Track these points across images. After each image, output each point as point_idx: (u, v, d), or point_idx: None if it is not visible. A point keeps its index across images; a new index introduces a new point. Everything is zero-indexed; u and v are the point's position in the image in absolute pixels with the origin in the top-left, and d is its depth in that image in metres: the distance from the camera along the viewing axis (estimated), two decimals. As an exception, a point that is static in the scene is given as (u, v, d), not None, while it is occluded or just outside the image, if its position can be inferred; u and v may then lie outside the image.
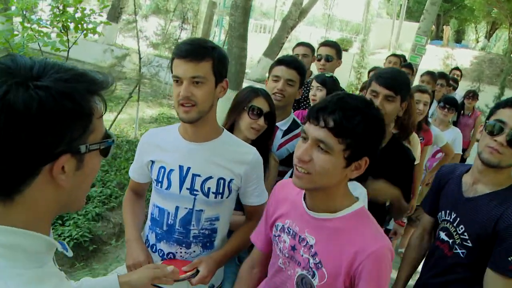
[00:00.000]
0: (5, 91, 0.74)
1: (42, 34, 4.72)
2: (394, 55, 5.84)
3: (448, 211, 2.00)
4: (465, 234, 1.88)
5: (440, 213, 2.07)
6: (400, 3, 30.99)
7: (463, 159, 6.85)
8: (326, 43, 3.91)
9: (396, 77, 2.27)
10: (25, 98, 0.75)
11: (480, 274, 1.82)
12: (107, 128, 1.66)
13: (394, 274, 4.81)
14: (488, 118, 1.87)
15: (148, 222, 1.93)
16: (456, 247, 1.93)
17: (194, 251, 1.84)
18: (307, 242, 1.46)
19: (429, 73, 5.56)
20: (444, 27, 28.35)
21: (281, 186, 1.67)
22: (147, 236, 1.93)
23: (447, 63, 19.60)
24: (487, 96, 15.35)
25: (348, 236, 1.39)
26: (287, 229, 1.53)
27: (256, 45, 18.78)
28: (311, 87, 3.05)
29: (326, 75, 3.03)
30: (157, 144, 1.86)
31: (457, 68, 7.68)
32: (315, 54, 3.85)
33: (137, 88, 6.88)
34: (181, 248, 1.83)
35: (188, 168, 1.78)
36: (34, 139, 0.76)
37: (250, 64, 18.55)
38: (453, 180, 2.05)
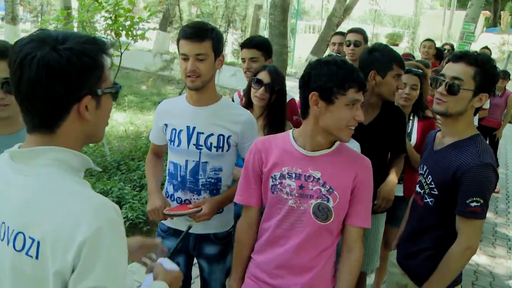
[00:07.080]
0: (43, 54, 1.05)
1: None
2: (428, 39, 5.97)
3: (422, 165, 2.20)
4: (432, 183, 2.05)
5: (418, 169, 2.25)
6: (450, -8, 30.02)
7: (495, 141, 6.78)
8: (353, 30, 4.07)
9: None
10: (57, 57, 1.05)
11: (446, 220, 2.00)
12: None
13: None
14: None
15: (167, 177, 2.34)
16: (426, 196, 2.10)
17: (204, 197, 2.20)
18: (313, 177, 1.80)
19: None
20: (502, 12, 27.11)
21: (261, 143, 1.93)
22: (167, 188, 2.33)
23: (503, 50, 18.72)
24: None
25: (344, 161, 1.84)
26: (288, 174, 1.82)
27: (305, 45, 18.96)
28: None
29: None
30: (169, 111, 2.28)
31: (448, 44, 7.82)
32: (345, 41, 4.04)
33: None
34: (193, 195, 2.21)
35: (194, 128, 2.16)
36: (65, 86, 1.07)
37: (298, 64, 18.74)
38: (430, 139, 2.25)
